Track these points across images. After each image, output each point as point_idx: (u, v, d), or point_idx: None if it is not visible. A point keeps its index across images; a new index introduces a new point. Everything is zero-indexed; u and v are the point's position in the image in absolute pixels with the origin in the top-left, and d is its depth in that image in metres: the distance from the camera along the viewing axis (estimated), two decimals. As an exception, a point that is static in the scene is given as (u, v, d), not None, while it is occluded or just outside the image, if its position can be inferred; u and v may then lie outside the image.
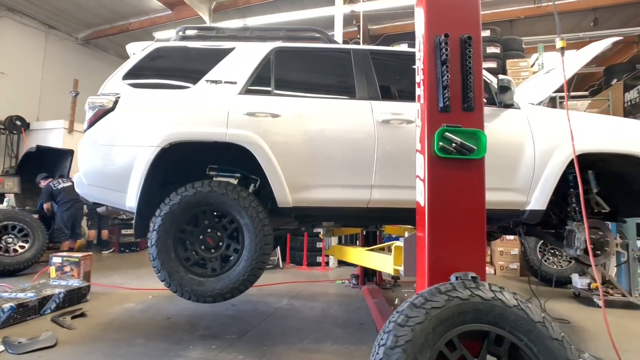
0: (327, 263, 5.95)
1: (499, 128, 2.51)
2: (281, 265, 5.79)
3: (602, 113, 8.11)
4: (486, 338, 1.38)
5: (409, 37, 6.97)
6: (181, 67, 2.72)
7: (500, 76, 2.37)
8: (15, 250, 4.69)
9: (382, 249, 2.99)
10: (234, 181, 2.71)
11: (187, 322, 3.20)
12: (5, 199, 5.40)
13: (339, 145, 2.43)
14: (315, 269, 5.79)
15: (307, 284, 4.83)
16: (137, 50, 2.78)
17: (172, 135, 2.40)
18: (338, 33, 5.99)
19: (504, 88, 2.37)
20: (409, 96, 2.76)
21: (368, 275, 4.66)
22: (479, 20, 1.76)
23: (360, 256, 3.11)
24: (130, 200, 2.44)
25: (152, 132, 2.42)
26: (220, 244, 2.45)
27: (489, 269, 5.81)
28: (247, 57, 2.67)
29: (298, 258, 6.05)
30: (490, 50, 5.71)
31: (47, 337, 2.63)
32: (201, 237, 2.45)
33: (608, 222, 3.57)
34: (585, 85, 10.50)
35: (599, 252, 2.60)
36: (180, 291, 2.36)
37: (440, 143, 1.66)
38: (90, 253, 4.18)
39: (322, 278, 5.09)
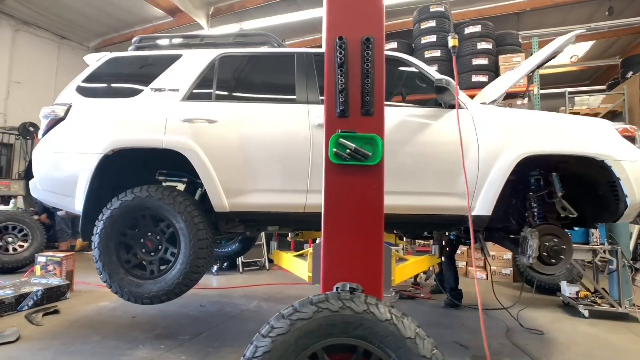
0: (315, 265, 5.92)
1: (440, 130, 2.41)
2: (267, 267, 5.84)
3: (616, 109, 7.61)
4: (355, 352, 1.33)
5: (405, 36, 6.83)
6: (132, 76, 2.81)
7: (438, 76, 2.27)
8: (14, 249, 5.00)
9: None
10: (182, 186, 2.77)
11: (149, 321, 3.29)
12: (11, 201, 5.77)
13: (274, 150, 2.43)
14: (301, 270, 5.79)
15: (286, 286, 4.84)
16: (93, 61, 2.89)
17: (113, 143, 2.48)
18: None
19: (441, 89, 2.28)
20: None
21: (346, 278, 4.60)
22: (382, 21, 1.70)
23: (288, 261, 3.08)
24: (78, 205, 2.54)
25: (96, 139, 2.51)
26: (160, 247, 2.51)
27: (481, 274, 5.60)
28: (191, 65, 2.71)
29: (288, 259, 6.07)
30: (482, 46, 5.48)
31: (11, 333, 2.78)
32: (142, 240, 2.51)
33: (578, 228, 3.37)
34: (608, 79, 9.88)
35: (553, 261, 2.45)
36: (120, 292, 2.43)
37: (334, 149, 1.62)
38: (73, 253, 4.38)
39: (304, 280, 5.07)
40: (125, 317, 3.39)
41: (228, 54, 2.75)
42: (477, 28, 5.57)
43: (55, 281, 3.79)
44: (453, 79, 2.34)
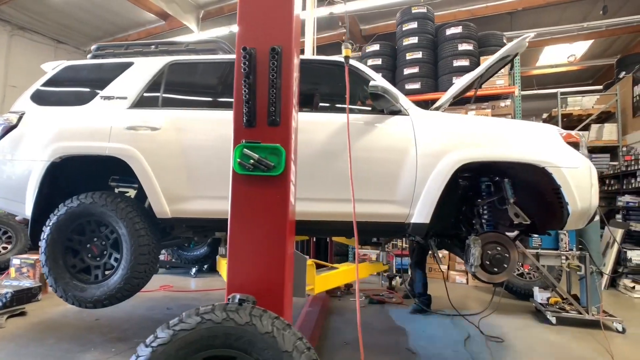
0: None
1: (379, 136, 2.40)
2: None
3: (609, 109, 7.42)
4: (236, 363, 1.34)
5: (391, 38, 6.78)
6: (85, 84, 2.86)
7: (372, 82, 2.25)
8: (-2, 251, 5.14)
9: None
10: (133, 192, 2.82)
11: (110, 324, 3.35)
12: (1, 203, 5.92)
13: (213, 156, 2.44)
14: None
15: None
16: (49, 69, 2.95)
17: (60, 150, 2.53)
18: (309, 38, 5.93)
19: (375, 96, 2.26)
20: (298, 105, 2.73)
21: (319, 282, 4.60)
22: (291, 30, 1.70)
23: (223, 269, 3.07)
24: (28, 210, 2.60)
25: (44, 146, 2.56)
26: (104, 252, 2.56)
27: (461, 279, 5.53)
28: (141, 72, 2.75)
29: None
30: (463, 47, 5.41)
31: (-31, 335, 2.87)
32: (87, 245, 2.56)
33: (535, 235, 3.31)
34: (606, 80, 9.64)
35: (496, 269, 2.41)
36: (65, 296, 2.48)
37: (238, 159, 1.63)
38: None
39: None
40: (88, 320, 3.45)
41: (177, 61, 2.78)
42: (458, 29, 5.50)
43: (27, 283, 3.88)
44: (395, 86, 2.33)
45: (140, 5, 7.71)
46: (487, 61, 2.68)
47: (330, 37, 9.08)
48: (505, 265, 2.41)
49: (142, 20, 8.66)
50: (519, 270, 4.74)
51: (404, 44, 5.81)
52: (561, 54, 10.44)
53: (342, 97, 2.75)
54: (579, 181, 2.30)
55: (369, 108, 2.56)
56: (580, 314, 3.57)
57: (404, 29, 5.86)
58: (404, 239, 5.75)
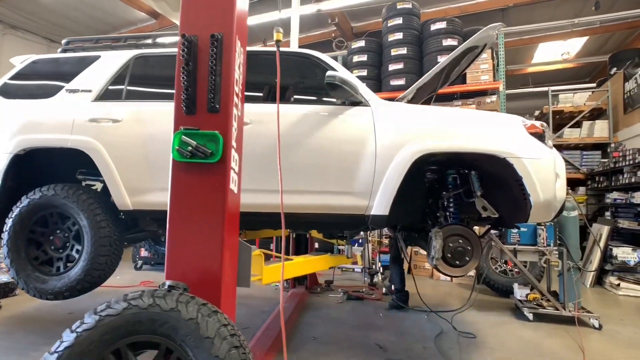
0: (281, 265, 5.93)
1: (338, 127, 2.38)
2: (232, 266, 5.85)
3: (601, 106, 7.35)
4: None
5: (378, 35, 6.76)
6: (52, 78, 2.86)
7: (329, 73, 2.23)
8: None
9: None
10: (100, 184, 2.82)
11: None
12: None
13: None
14: (265, 270, 5.80)
15: (243, 285, 4.85)
16: (17, 63, 2.96)
17: (23, 142, 2.53)
18: (294, 36, 5.92)
19: (332, 86, 2.24)
20: (256, 97, 2.72)
21: (299, 278, 4.59)
22: (233, 17, 1.69)
23: None
24: (-8, 203, 2.60)
25: (8, 139, 2.57)
26: (67, 244, 2.55)
27: (445, 276, 5.48)
28: (107, 65, 2.75)
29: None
30: (447, 43, 5.37)
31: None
32: (51, 238, 2.56)
33: (505, 229, 3.28)
34: (601, 77, 9.55)
35: (458, 262, 2.38)
36: (26, 288, 2.48)
37: (177, 147, 1.62)
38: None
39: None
40: (62, 314, 3.46)
41: (142, 54, 2.78)
42: (442, 24, 5.47)
43: (3, 278, 3.89)
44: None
45: (131, 4, 7.73)
46: (453, 52, 2.65)
47: (322, 34, 9.07)
48: (467, 259, 2.38)
49: (133, 19, 8.69)
50: (501, 267, 4.70)
51: (389, 39, 5.79)
52: (556, 52, 10.37)
53: (304, 89, 2.74)
54: (541, 172, 2.27)
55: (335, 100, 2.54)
56: (557, 310, 3.53)
57: (389, 24, 5.84)
58: (379, 233, 5.73)
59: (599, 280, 5.27)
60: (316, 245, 5.95)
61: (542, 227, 3.70)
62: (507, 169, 2.32)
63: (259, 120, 2.39)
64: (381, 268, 5.17)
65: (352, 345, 2.90)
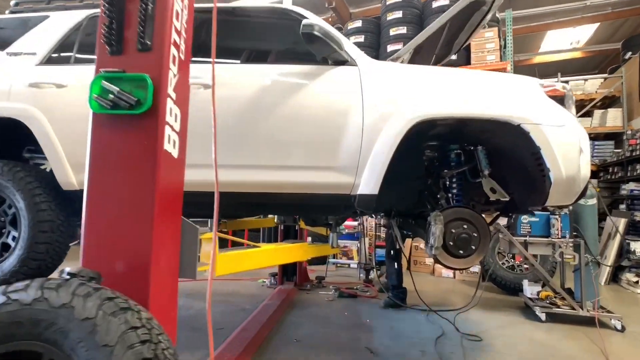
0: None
1: (318, 91, 1.99)
2: (219, 261, 5.48)
3: (614, 93, 6.91)
4: (46, 361, 0.95)
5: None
6: (-3, 39, 2.49)
7: (305, 21, 1.84)
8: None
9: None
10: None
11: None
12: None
13: None
14: (254, 266, 5.43)
15: (226, 282, 4.48)
16: (-41, 24, 2.59)
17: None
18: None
19: (310, 37, 1.84)
20: (219, 55, 2.35)
21: (288, 274, 4.22)
22: None
23: None
24: None
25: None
26: (3, 231, 2.19)
27: (447, 272, 5.09)
28: (56, 26, 2.38)
29: (247, 254, 5.70)
30: (450, 21, 4.96)
31: None
32: (-16, 223, 2.19)
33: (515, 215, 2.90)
34: (611, 66, 9.09)
35: (461, 252, 1.99)
36: (-46, 282, 2.12)
37: (95, 95, 1.25)
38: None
39: (250, 276, 4.71)
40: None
41: (97, 14, 2.40)
42: (445, 1, 5.06)
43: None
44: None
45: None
46: (455, 5, 2.25)
47: (318, 20, 8.66)
48: (473, 247, 1.98)
49: None
50: (508, 262, 4.31)
51: (388, 19, 5.38)
52: (565, 41, 9.91)
53: (283, 50, 2.36)
54: (563, 142, 1.87)
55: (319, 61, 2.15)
56: (574, 309, 3.13)
57: (388, 2, 5.44)
58: (377, 227, 5.33)
59: (614, 277, 4.87)
60: (309, 239, 5.58)
61: (557, 216, 3.30)
62: (521, 139, 1.92)
63: (228, 84, 2.01)
64: (377, 264, 4.80)
65: (338, 348, 2.52)
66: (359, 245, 5.06)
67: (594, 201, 3.35)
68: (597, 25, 8.92)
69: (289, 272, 4.21)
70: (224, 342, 2.40)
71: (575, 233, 3.30)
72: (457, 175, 2.24)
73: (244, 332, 2.61)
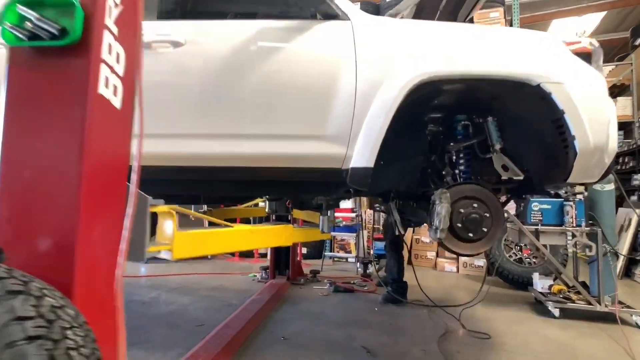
0: (265, 254, 5.28)
1: (304, 49, 1.71)
2: (209, 256, 5.22)
3: (623, 82, 6.63)
4: None
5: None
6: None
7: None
8: None
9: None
10: None
11: None
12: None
13: None
14: (246, 260, 5.16)
15: (215, 275, 4.22)
16: None
17: None
18: None
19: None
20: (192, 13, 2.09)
21: (280, 267, 3.95)
22: None
23: None
24: None
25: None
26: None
27: (451, 267, 4.83)
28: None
29: (240, 248, 5.43)
30: (454, 1, 4.68)
31: None
32: None
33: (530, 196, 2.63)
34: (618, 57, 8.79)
35: (471, 235, 1.71)
36: None
37: (9, 23, 0.97)
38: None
39: (241, 270, 4.46)
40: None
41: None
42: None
43: None
44: None
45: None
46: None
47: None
48: (484, 229, 1.71)
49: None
50: (516, 255, 4.04)
51: (387, 0, 5.09)
52: (570, 31, 9.62)
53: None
54: (591, 105, 1.60)
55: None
56: (590, 304, 2.86)
57: (387, -18, 5.15)
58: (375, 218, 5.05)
59: (626, 272, 4.59)
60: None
61: (571, 203, 3.03)
62: (540, 104, 1.65)
63: (203, 42, 1.74)
64: (376, 258, 4.53)
65: (330, 347, 2.26)
66: (356, 238, 4.79)
67: (611, 187, 3.08)
68: (603, 14, 8.64)
69: (281, 265, 3.94)
70: (202, 339, 2.14)
71: (590, 221, 3.03)
72: (465, 150, 1.97)
73: (226, 330, 2.34)
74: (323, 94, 1.67)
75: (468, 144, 1.95)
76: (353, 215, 5.06)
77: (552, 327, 2.75)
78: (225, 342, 2.15)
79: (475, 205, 1.72)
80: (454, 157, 1.98)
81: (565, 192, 3.21)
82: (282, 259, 3.95)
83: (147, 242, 1.13)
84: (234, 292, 3.48)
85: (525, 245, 3.99)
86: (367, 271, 4.24)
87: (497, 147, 1.89)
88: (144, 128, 1.10)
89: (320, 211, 2.20)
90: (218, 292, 3.50)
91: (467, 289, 3.93)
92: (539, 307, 3.21)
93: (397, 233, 2.34)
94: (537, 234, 3.06)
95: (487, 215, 1.72)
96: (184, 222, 1.47)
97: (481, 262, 4.60)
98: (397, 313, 3.02)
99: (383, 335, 2.48)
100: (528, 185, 2.07)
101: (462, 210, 1.71)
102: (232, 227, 1.50)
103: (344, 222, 5.21)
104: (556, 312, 2.90)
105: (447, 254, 4.95)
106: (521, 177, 2.01)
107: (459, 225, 1.71)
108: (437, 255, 5.02)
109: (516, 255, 4.02)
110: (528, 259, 3.97)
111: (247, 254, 5.31)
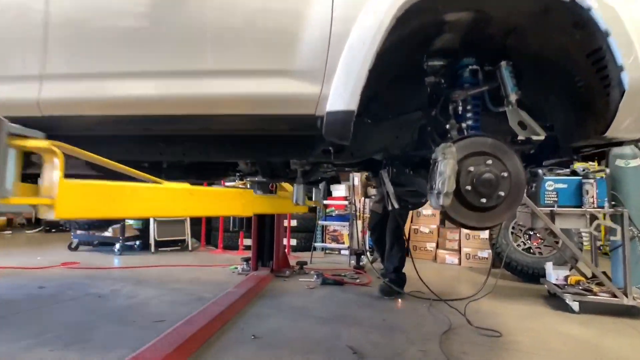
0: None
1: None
2: (191, 247, 4.82)
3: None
4: None
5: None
6: None
7: None
8: None
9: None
10: None
11: None
12: None
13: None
14: (230, 252, 4.76)
15: (195, 268, 3.83)
16: None
17: None
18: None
19: None
20: None
21: (263, 259, 3.56)
22: None
23: None
24: None
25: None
26: None
27: (452, 258, 4.44)
28: None
29: (226, 241, 5.03)
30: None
31: None
32: None
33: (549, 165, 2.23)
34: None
35: (484, 200, 1.32)
36: None
37: None
38: None
39: (225, 262, 4.06)
40: None
41: None
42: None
43: None
44: None
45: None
46: None
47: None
48: (502, 194, 1.32)
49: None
50: (524, 244, 3.65)
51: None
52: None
53: None
54: (644, 27, 1.20)
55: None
56: (615, 297, 2.47)
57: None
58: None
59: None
60: (294, 222, 4.93)
61: (591, 181, 2.64)
62: (572, 32, 1.26)
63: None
64: (370, 248, 4.14)
65: (309, 348, 1.86)
66: (350, 228, 4.39)
67: (637, 162, 2.69)
68: None
69: (264, 256, 3.55)
70: (154, 339, 1.75)
71: (613, 202, 2.64)
72: (473, 101, 1.57)
73: (186, 327, 1.95)
74: (289, 15, 1.28)
75: (477, 92, 1.55)
76: (346, 203, 4.67)
77: (571, 323, 2.36)
78: (182, 341, 1.76)
79: (489, 162, 1.33)
80: (460, 109, 1.58)
81: (584, 170, 2.82)
82: (265, 249, 3.56)
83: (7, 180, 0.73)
84: (209, 284, 3.08)
85: (534, 232, 3.62)
86: (361, 263, 3.85)
87: (513, 98, 1.49)
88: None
89: (295, 180, 1.79)
90: (191, 284, 3.10)
91: (471, 282, 3.55)
92: (553, 300, 2.83)
93: (389, 208, 1.93)
94: (552, 216, 2.67)
95: (505, 175, 1.32)
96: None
97: (485, 253, 4.22)
98: (391, 307, 2.63)
99: (374, 333, 2.09)
100: (550, 148, 1.68)
101: (472, 169, 1.31)
102: (160, 184, 1.09)
103: (336, 211, 4.83)
104: (575, 306, 2.51)
105: (447, 244, 4.57)
106: (542, 138, 1.61)
107: (469, 188, 1.31)
108: (437, 247, 4.63)
109: (525, 244, 3.63)
110: (539, 248, 3.58)
111: (231, 246, 4.90)
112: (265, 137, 1.51)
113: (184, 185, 1.09)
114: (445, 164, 1.29)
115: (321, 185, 2.59)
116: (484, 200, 1.32)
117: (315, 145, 1.50)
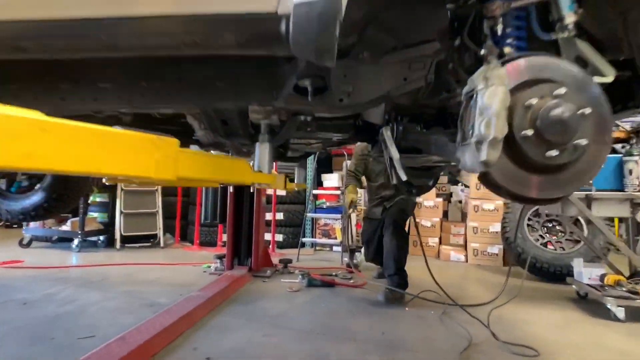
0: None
1: None
2: (163, 244, 4.27)
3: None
4: None
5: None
6: None
7: None
8: None
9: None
10: None
11: None
12: None
13: None
14: (207, 249, 4.22)
15: (164, 266, 3.29)
16: None
17: None
18: None
19: None
20: None
21: (240, 256, 3.04)
22: None
23: None
24: None
25: None
26: None
27: (457, 255, 3.94)
28: None
29: (203, 236, 4.48)
30: None
31: None
32: None
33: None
34: None
35: (553, 153, 0.81)
36: None
37: None
38: None
39: (195, 260, 3.52)
40: None
41: None
42: None
43: None
44: None
45: None
46: None
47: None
48: (583, 142, 0.81)
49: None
50: (543, 238, 3.16)
51: None
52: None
53: None
54: None
55: None
56: (669, 300, 1.99)
57: None
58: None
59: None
60: (280, 215, 4.40)
61: (635, 158, 2.16)
62: None
63: None
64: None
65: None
66: (343, 221, 3.88)
67: (691, 136, 2.21)
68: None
69: (242, 254, 3.03)
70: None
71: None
72: (517, 17, 1.07)
73: (118, 345, 1.43)
74: None
75: (525, 3, 1.04)
76: (338, 193, 4.16)
77: (618, 335, 1.88)
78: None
79: (560, 92, 0.82)
80: (500, 28, 1.07)
81: (624, 146, 2.34)
82: (243, 245, 3.04)
83: None
84: (171, 286, 2.55)
85: (553, 224, 3.14)
86: (355, 261, 3.34)
87: (570, 21, 0.98)
88: None
89: (258, 138, 1.26)
90: (150, 286, 2.57)
91: (482, 283, 3.06)
92: (586, 304, 2.35)
93: (394, 182, 1.42)
94: (588, 201, 2.18)
95: (587, 112, 0.81)
96: None
97: (496, 249, 3.73)
98: (392, 315, 2.12)
99: (372, 353, 1.58)
100: (622, 92, 1.18)
101: (533, 103, 0.81)
102: (45, 118, 0.53)
103: (327, 203, 4.31)
104: (620, 313, 2.03)
105: (452, 239, 4.07)
106: (609, 80, 1.11)
107: (528, 133, 0.80)
108: (440, 242, 4.14)
109: (543, 238, 3.15)
110: (559, 242, 3.10)
111: (208, 243, 4.36)
112: (207, 63, 0.98)
113: (31, 113, 0.55)
114: (492, 93, 0.79)
115: (310, 166, 2.07)
116: (553, 152, 0.81)
117: (280, 72, 0.97)
